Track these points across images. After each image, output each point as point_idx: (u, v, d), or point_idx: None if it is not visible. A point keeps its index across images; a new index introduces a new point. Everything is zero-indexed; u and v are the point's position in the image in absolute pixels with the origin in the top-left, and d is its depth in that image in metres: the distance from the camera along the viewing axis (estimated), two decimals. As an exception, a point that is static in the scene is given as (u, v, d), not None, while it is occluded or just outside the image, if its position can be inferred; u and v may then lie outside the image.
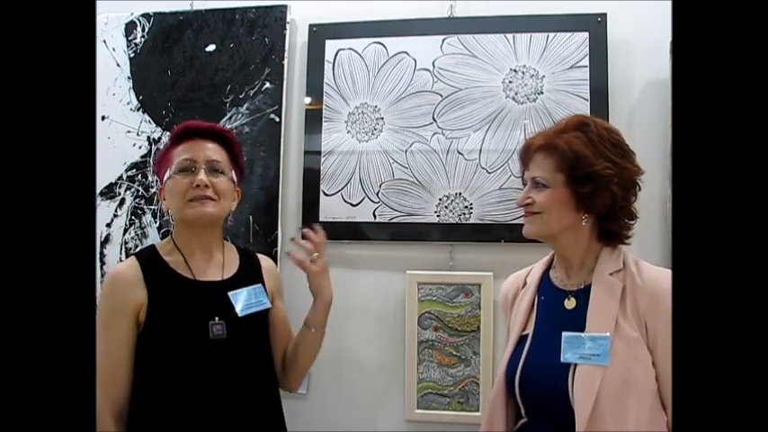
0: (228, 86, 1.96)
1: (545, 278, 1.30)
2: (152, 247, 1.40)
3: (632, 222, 1.24)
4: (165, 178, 1.36)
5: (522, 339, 1.26)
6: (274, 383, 1.42)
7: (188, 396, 1.26)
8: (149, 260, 1.34)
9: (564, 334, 1.17)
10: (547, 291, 1.28)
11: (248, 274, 1.41)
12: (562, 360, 1.15)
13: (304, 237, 1.42)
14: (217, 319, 1.30)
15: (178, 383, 1.26)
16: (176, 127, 1.44)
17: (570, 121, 1.24)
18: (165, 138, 1.98)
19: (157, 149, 1.98)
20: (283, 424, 1.41)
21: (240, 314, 1.32)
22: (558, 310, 1.23)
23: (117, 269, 1.35)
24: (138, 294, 1.28)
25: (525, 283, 1.33)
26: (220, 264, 1.39)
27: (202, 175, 1.32)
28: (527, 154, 1.26)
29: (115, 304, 1.29)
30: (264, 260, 1.50)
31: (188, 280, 1.33)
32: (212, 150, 1.37)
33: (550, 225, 1.21)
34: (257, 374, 1.36)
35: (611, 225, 1.21)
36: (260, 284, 1.40)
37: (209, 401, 1.26)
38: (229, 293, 1.34)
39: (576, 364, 1.13)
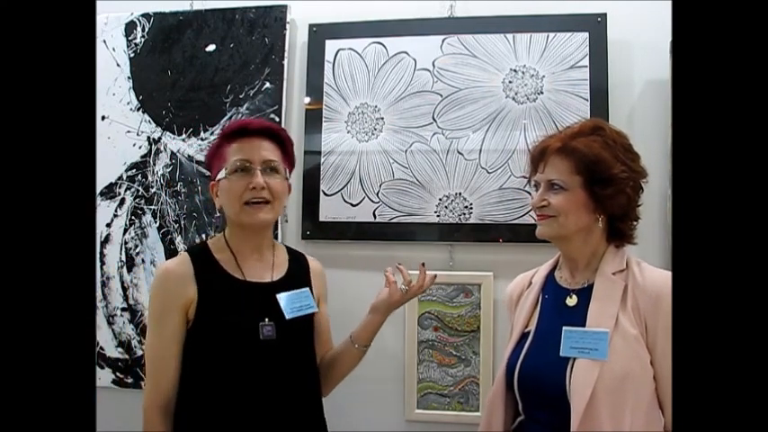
0: (228, 86, 1.96)
1: (550, 278, 1.32)
2: (204, 243, 1.41)
3: (636, 223, 1.26)
4: (219, 177, 1.35)
5: (524, 336, 1.28)
6: (318, 386, 1.41)
7: (235, 395, 1.26)
8: (201, 257, 1.35)
9: (564, 328, 1.18)
10: (551, 290, 1.30)
11: (297, 276, 1.41)
12: (561, 354, 1.16)
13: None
14: (267, 320, 1.30)
15: (226, 382, 1.27)
16: (229, 124, 1.41)
17: (585, 125, 1.27)
18: (165, 137, 1.98)
19: (157, 150, 1.98)
20: (325, 427, 1.40)
21: (288, 317, 1.32)
22: (560, 308, 1.25)
23: (168, 265, 1.36)
24: (188, 291, 1.29)
25: (531, 283, 1.35)
26: (270, 265, 1.39)
27: (259, 177, 1.31)
28: (542, 156, 1.26)
29: (166, 300, 1.30)
30: (313, 262, 1.49)
31: (238, 280, 1.33)
32: (267, 150, 1.35)
33: (567, 227, 1.22)
34: (304, 377, 1.36)
35: (622, 225, 1.24)
36: (307, 288, 1.40)
37: (256, 402, 1.27)
38: (277, 296, 1.34)
39: (574, 359, 1.15)
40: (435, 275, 1.44)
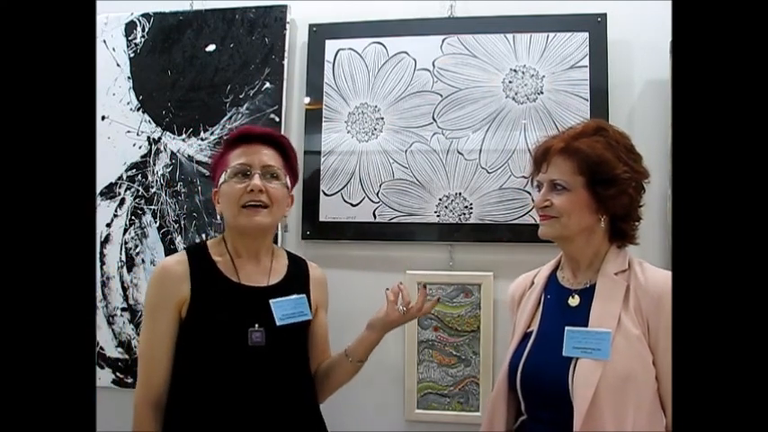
0: (228, 86, 1.96)
1: (552, 278, 1.33)
2: (204, 243, 1.41)
3: (638, 223, 1.27)
4: (220, 182, 1.36)
5: (526, 336, 1.28)
6: (312, 393, 1.40)
7: (222, 400, 1.25)
8: (198, 257, 1.35)
9: (567, 328, 1.19)
10: (553, 290, 1.30)
11: (294, 282, 1.40)
12: (564, 354, 1.17)
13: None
14: (256, 326, 1.29)
15: (214, 386, 1.26)
16: (232, 132, 1.44)
17: (588, 126, 1.28)
18: (165, 137, 1.98)
19: (157, 150, 1.98)
20: None
21: (278, 323, 1.31)
22: (562, 308, 1.25)
23: (167, 262, 1.36)
24: (183, 289, 1.30)
25: (533, 284, 1.36)
26: (267, 269, 1.38)
27: (257, 180, 1.31)
28: (545, 157, 1.26)
29: (161, 297, 1.31)
30: (314, 269, 1.48)
31: (233, 283, 1.33)
32: (268, 155, 1.36)
33: (569, 228, 1.23)
34: (294, 384, 1.34)
35: (624, 226, 1.25)
36: (304, 295, 1.39)
37: (243, 407, 1.26)
38: (271, 301, 1.33)
39: (577, 359, 1.15)
40: (438, 299, 1.42)
